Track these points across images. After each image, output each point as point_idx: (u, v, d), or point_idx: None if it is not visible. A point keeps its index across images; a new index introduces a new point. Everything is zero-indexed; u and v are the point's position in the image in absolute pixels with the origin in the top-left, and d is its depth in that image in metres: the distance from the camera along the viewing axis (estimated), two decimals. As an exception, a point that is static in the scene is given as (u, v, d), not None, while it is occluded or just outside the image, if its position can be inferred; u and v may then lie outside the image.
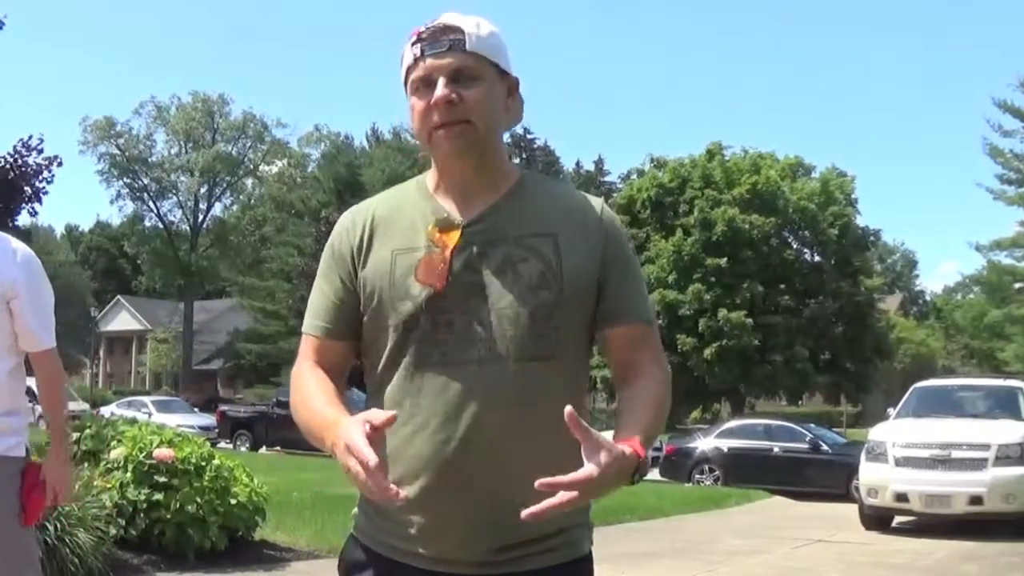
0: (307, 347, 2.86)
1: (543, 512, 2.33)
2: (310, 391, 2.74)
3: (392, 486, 2.34)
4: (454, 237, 2.71)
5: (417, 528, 2.68)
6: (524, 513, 2.34)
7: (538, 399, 2.51)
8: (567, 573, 2.73)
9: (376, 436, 2.38)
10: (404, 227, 2.79)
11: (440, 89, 2.67)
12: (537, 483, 2.33)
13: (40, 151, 30.10)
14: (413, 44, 2.75)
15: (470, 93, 2.68)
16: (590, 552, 2.84)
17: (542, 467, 2.45)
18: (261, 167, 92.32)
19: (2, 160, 29.62)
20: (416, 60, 2.73)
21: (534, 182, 2.87)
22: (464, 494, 2.61)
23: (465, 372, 2.63)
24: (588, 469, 2.35)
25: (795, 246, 59.74)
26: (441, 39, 2.71)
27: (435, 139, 2.72)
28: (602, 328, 2.79)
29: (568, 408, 2.35)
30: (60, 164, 30.70)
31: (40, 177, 30.08)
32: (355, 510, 2.88)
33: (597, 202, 2.87)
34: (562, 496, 2.32)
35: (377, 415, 2.41)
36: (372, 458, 2.31)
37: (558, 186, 2.95)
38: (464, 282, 2.69)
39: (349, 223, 2.88)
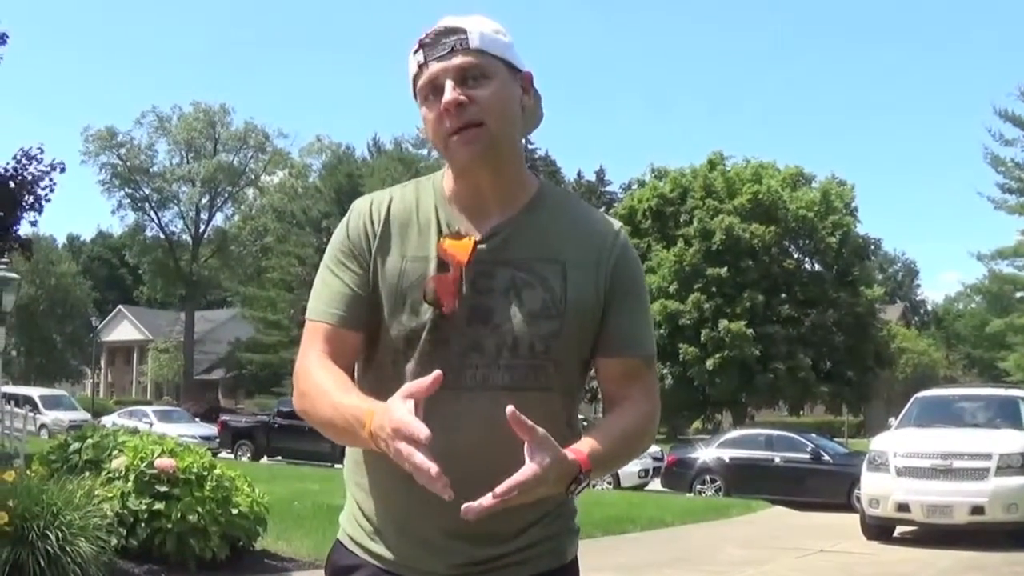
0: (315, 336, 2.67)
1: (480, 509, 2.26)
2: (325, 382, 2.56)
3: (439, 473, 2.21)
4: (466, 254, 2.60)
5: (399, 539, 2.67)
6: (464, 508, 2.26)
7: None
8: None
9: (420, 412, 2.29)
10: (418, 232, 2.68)
11: (448, 93, 2.55)
12: (494, 493, 2.26)
13: (39, 160, 30.12)
14: (416, 52, 2.63)
15: (480, 93, 2.57)
16: (574, 560, 2.82)
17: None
18: (262, 177, 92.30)
19: (3, 170, 29.65)
20: (420, 67, 2.61)
21: (551, 198, 2.75)
22: (444, 508, 2.40)
23: (457, 398, 2.53)
24: (529, 469, 2.28)
25: (795, 255, 59.68)
26: (443, 41, 2.59)
27: (451, 146, 2.59)
28: (598, 356, 2.69)
29: (509, 408, 2.27)
30: (63, 170, 30.71)
31: (41, 185, 30.08)
32: (342, 516, 2.85)
33: (614, 227, 2.75)
34: (494, 498, 2.26)
35: (419, 385, 2.32)
36: (424, 431, 2.22)
37: (576, 205, 2.80)
38: (468, 304, 2.59)
39: (367, 211, 2.73)
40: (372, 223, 2.70)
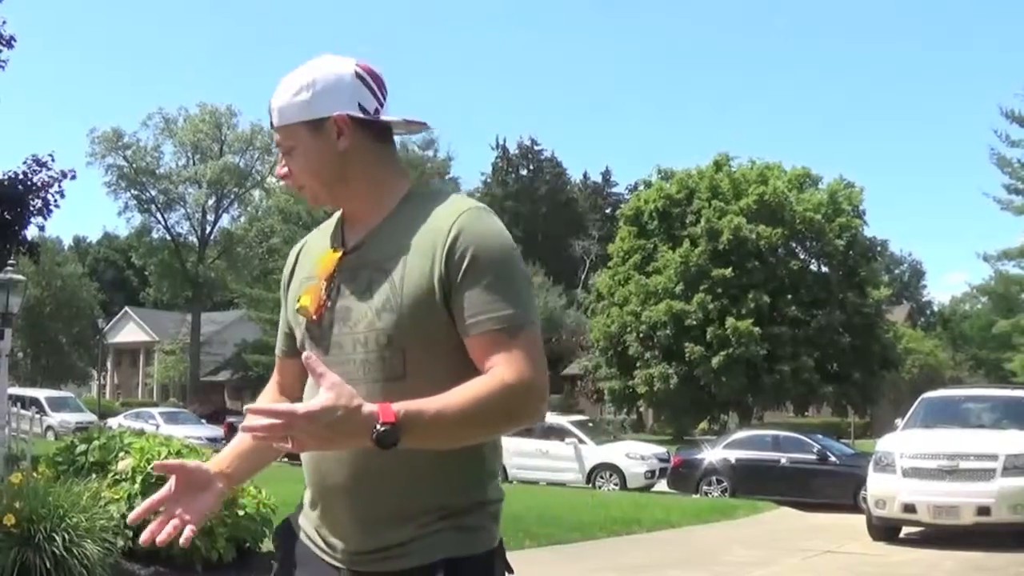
0: (275, 368, 3.28)
1: (250, 428, 2.55)
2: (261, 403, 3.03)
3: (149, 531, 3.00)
4: (329, 267, 2.94)
5: (314, 523, 3.03)
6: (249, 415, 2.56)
7: None
8: (429, 573, 2.82)
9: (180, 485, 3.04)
10: (313, 258, 3.06)
11: (277, 168, 3.06)
12: (246, 408, 2.61)
13: (49, 168, 30.21)
14: None
15: (294, 163, 2.95)
16: (467, 557, 2.87)
17: (401, 481, 2.80)
18: (269, 179, 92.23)
19: (12, 174, 29.73)
20: None
21: (414, 202, 2.94)
22: (337, 502, 2.90)
23: None
24: (298, 404, 2.54)
25: (802, 257, 59.57)
26: (271, 121, 2.98)
27: None
28: (464, 339, 2.79)
29: (304, 354, 2.65)
30: (74, 177, 30.79)
31: (51, 191, 30.15)
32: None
33: (458, 210, 2.85)
34: (264, 421, 2.51)
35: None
36: (136, 514, 3.10)
37: (432, 202, 2.92)
38: (334, 309, 2.91)
39: (289, 257, 3.23)
40: (290, 265, 3.20)
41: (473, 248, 2.77)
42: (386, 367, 2.80)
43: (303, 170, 2.94)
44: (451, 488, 2.85)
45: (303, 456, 2.93)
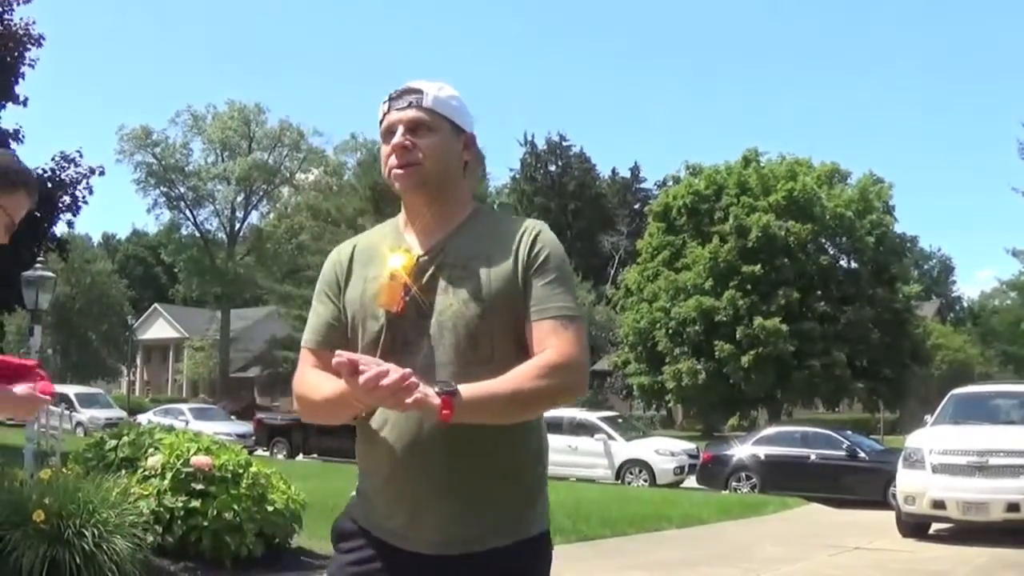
0: (305, 357, 3.43)
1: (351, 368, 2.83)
2: (317, 380, 3.27)
3: (403, 371, 2.85)
4: (409, 267, 3.25)
5: (391, 512, 3.23)
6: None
7: None
8: (517, 550, 3.23)
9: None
10: (376, 260, 3.37)
11: (397, 137, 3.29)
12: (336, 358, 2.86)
13: (78, 164, 30.37)
14: (384, 102, 3.36)
15: (424, 141, 3.28)
16: (546, 532, 3.36)
17: (490, 461, 3.17)
18: (297, 175, 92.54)
19: (40, 171, 29.87)
20: (384, 115, 3.35)
21: (483, 215, 3.45)
22: (420, 487, 3.16)
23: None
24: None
25: (831, 253, 59.39)
26: (404, 97, 3.33)
27: (393, 177, 3.31)
28: (527, 324, 3.20)
29: (336, 357, 2.87)
30: (102, 174, 30.97)
31: (79, 187, 30.30)
32: (352, 494, 3.45)
33: (532, 227, 3.35)
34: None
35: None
36: (373, 364, 2.86)
37: (502, 218, 3.48)
38: (416, 303, 3.23)
39: (336, 257, 3.51)
40: (339, 265, 3.48)
41: (548, 249, 3.28)
42: (475, 350, 3.16)
43: (436, 152, 3.29)
44: (528, 467, 3.31)
45: (378, 447, 3.24)
